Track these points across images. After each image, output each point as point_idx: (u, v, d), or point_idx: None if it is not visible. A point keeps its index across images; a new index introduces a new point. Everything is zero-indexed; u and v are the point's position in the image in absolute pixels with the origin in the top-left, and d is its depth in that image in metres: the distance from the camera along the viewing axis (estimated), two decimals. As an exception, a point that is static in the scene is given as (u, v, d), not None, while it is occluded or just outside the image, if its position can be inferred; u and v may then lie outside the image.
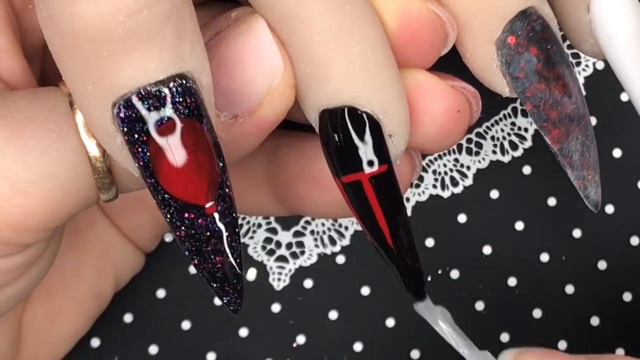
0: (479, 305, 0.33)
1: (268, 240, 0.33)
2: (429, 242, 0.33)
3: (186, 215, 0.20)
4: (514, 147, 0.34)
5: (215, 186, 0.20)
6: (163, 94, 0.19)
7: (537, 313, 0.33)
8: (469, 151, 0.34)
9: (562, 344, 0.33)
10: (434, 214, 0.33)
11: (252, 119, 0.22)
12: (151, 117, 0.19)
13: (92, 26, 0.19)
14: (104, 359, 0.33)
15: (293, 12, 0.21)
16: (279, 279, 0.33)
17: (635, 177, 0.34)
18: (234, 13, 0.23)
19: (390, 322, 0.33)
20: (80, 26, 0.19)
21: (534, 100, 0.23)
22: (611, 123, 0.34)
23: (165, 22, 0.19)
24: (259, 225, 0.33)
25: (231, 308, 0.22)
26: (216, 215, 0.21)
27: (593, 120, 0.34)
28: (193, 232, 0.21)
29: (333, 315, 0.33)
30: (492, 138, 0.34)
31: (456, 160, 0.34)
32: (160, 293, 0.33)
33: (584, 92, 0.24)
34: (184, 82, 0.20)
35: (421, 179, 0.33)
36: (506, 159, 0.34)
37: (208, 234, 0.21)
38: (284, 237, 0.33)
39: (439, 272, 0.33)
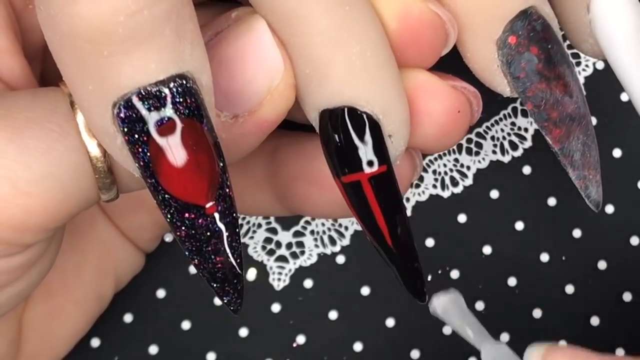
0: (479, 305, 0.33)
1: (268, 240, 0.33)
2: (429, 242, 0.33)
3: (186, 215, 0.20)
4: (514, 147, 0.34)
5: (216, 186, 0.20)
6: (163, 94, 0.19)
7: (537, 313, 0.33)
8: (469, 151, 0.34)
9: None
10: (434, 214, 0.33)
11: (253, 119, 0.22)
12: (151, 117, 0.19)
13: (92, 26, 0.19)
14: (104, 359, 0.33)
15: (293, 12, 0.21)
16: (279, 279, 0.33)
17: (635, 177, 0.34)
18: (234, 13, 0.23)
19: (390, 322, 0.33)
20: (81, 26, 0.19)
21: (534, 100, 0.23)
22: (611, 123, 0.34)
23: (165, 22, 0.19)
24: (259, 225, 0.33)
25: (231, 308, 0.22)
26: (216, 215, 0.21)
27: (593, 120, 0.34)
28: (193, 232, 0.21)
29: (333, 315, 0.33)
30: (492, 138, 0.34)
31: (456, 160, 0.34)
32: (160, 293, 0.33)
33: (584, 92, 0.24)
34: (184, 82, 0.20)
35: (421, 179, 0.33)
36: (506, 159, 0.34)
37: (208, 234, 0.21)
38: (284, 237, 0.33)
39: (439, 272, 0.33)
